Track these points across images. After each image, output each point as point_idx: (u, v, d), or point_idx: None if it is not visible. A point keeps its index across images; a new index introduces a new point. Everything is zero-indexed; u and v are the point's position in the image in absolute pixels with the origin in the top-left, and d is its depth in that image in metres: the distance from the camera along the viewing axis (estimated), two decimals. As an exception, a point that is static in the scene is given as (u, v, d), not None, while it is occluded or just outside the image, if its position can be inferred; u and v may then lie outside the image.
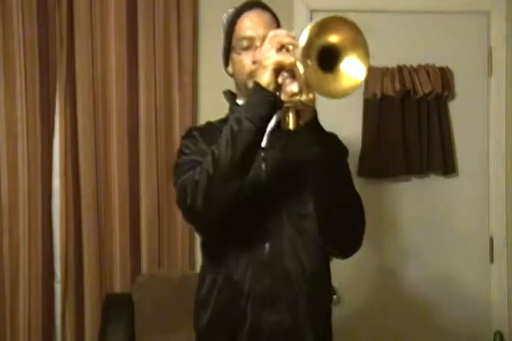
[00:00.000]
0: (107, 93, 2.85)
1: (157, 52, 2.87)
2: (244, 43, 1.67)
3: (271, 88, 1.45)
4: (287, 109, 1.48)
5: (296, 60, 1.36)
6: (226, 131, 1.51)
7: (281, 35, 1.48)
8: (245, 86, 1.68)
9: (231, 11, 1.75)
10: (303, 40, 1.34)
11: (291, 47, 1.43)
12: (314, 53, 1.35)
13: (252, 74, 1.61)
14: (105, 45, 2.85)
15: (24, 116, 2.81)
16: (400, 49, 3.05)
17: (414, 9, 3.06)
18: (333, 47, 1.38)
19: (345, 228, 1.62)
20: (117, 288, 2.85)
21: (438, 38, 3.07)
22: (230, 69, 1.77)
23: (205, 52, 2.95)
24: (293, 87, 1.42)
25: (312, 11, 3.00)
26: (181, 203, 1.59)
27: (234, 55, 1.71)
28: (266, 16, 1.71)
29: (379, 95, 2.97)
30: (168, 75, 2.88)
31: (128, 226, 2.86)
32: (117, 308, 2.71)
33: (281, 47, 1.45)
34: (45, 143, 2.85)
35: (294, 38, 1.45)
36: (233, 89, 1.82)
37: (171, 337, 2.59)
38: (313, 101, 1.44)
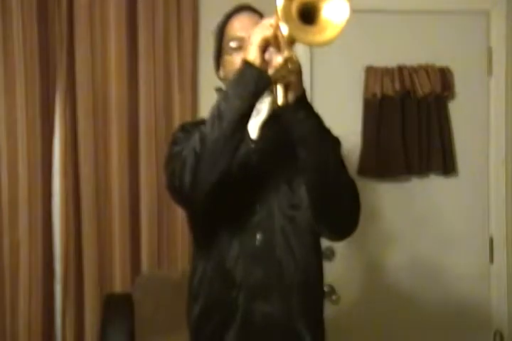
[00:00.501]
0: (107, 93, 2.85)
1: (157, 52, 2.87)
2: (235, 44, 1.69)
3: (257, 63, 1.46)
4: (275, 84, 1.49)
5: (277, 19, 1.40)
6: (213, 108, 1.52)
7: (270, 19, 1.50)
8: None
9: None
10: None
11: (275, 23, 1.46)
12: (294, 10, 1.39)
13: None
14: (105, 45, 2.85)
15: (24, 116, 2.80)
16: (400, 49, 3.05)
17: (414, 9, 3.06)
18: (311, 3, 1.41)
19: (337, 207, 1.60)
20: (117, 288, 2.85)
21: (438, 38, 3.07)
22: (221, 73, 1.78)
23: (205, 53, 2.94)
24: (278, 58, 1.44)
25: (312, 11, 3.01)
26: (170, 184, 1.60)
27: (225, 57, 1.72)
28: (256, 18, 1.72)
29: (379, 95, 2.97)
30: (168, 76, 2.88)
31: (128, 226, 2.86)
32: (117, 308, 2.70)
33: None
34: (45, 143, 2.85)
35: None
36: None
37: (171, 337, 2.58)
38: (296, 62, 1.46)
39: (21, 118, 2.81)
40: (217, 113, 1.49)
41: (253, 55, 1.46)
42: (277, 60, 1.44)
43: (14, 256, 2.80)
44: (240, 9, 1.75)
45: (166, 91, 2.88)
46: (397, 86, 2.97)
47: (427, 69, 3.01)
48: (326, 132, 1.61)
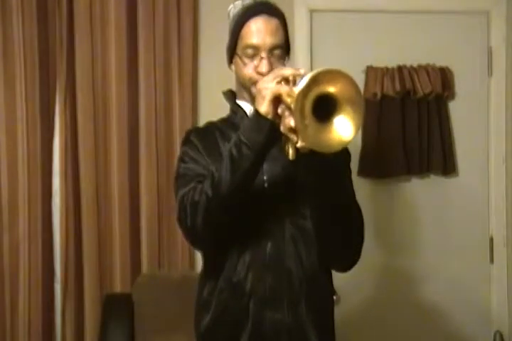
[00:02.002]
0: (107, 93, 2.85)
1: (157, 52, 2.87)
2: (249, 51, 1.66)
3: (269, 117, 1.46)
4: (287, 140, 1.47)
5: (291, 102, 1.37)
6: (226, 154, 1.52)
7: (285, 69, 1.49)
8: (248, 88, 1.69)
9: (238, 7, 1.71)
10: (301, 86, 1.33)
11: (291, 77, 1.44)
12: (310, 102, 1.34)
13: (254, 81, 1.63)
14: (105, 45, 2.85)
15: (24, 116, 2.80)
16: (400, 49, 3.05)
17: (414, 9, 3.06)
18: (331, 97, 1.36)
19: (342, 244, 1.63)
20: (117, 288, 2.85)
21: (438, 38, 3.07)
22: (232, 67, 1.76)
23: (205, 53, 2.95)
24: (291, 122, 1.40)
25: (312, 11, 3.01)
26: (182, 222, 1.61)
27: (238, 61, 1.70)
28: (273, 23, 1.67)
29: (379, 95, 2.97)
30: (168, 75, 2.88)
31: (128, 226, 2.86)
32: (117, 308, 2.71)
33: (284, 80, 1.46)
34: (45, 143, 2.85)
35: (297, 69, 1.46)
36: (233, 87, 1.81)
37: (171, 337, 2.59)
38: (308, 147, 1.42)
39: (21, 118, 2.81)
40: (229, 159, 1.50)
41: (264, 109, 1.46)
42: (290, 122, 1.40)
43: (14, 256, 2.80)
44: (258, 11, 1.68)
45: (166, 92, 2.88)
46: (398, 86, 2.97)
47: (427, 69, 3.01)
48: (336, 173, 1.56)
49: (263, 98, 1.46)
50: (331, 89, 1.35)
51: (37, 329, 2.81)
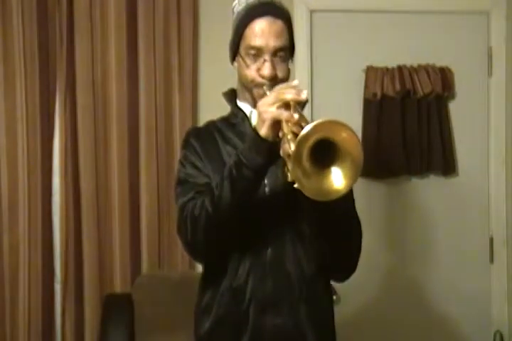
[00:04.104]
0: (107, 93, 2.85)
1: (157, 52, 2.87)
2: (252, 53, 1.64)
3: (270, 139, 1.47)
4: (285, 162, 1.45)
5: (289, 130, 1.37)
6: (226, 172, 1.53)
7: (286, 90, 1.47)
8: (249, 89, 1.68)
9: (243, 4, 1.69)
10: (304, 132, 1.32)
11: (292, 102, 1.43)
12: (309, 147, 1.33)
13: (256, 83, 1.63)
14: (105, 45, 2.85)
15: (24, 116, 2.80)
16: (400, 49, 3.05)
17: (414, 9, 3.06)
18: (333, 143, 1.36)
19: (340, 257, 1.65)
20: (117, 288, 2.85)
21: (438, 38, 3.08)
22: (235, 64, 1.74)
23: (205, 53, 2.95)
24: (291, 146, 1.38)
25: (312, 11, 3.01)
26: (182, 237, 1.63)
27: (241, 61, 1.68)
28: (277, 25, 1.65)
29: (379, 95, 2.97)
30: (168, 75, 2.88)
31: (128, 226, 2.86)
32: (117, 308, 2.70)
33: (284, 106, 1.45)
34: (45, 143, 2.85)
35: (298, 94, 1.44)
36: (233, 86, 1.80)
37: (171, 337, 2.58)
38: None
39: (21, 118, 2.80)
40: (229, 178, 1.51)
41: (264, 132, 1.46)
42: (288, 149, 1.39)
43: (14, 256, 2.80)
44: (262, 12, 1.65)
45: (166, 91, 2.88)
46: (398, 86, 2.97)
47: (427, 69, 3.01)
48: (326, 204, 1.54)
49: (263, 122, 1.46)
50: (335, 137, 1.36)
51: (37, 329, 2.81)
